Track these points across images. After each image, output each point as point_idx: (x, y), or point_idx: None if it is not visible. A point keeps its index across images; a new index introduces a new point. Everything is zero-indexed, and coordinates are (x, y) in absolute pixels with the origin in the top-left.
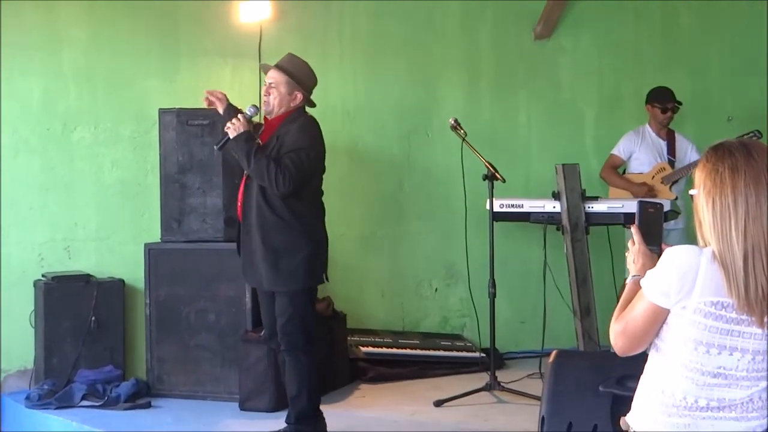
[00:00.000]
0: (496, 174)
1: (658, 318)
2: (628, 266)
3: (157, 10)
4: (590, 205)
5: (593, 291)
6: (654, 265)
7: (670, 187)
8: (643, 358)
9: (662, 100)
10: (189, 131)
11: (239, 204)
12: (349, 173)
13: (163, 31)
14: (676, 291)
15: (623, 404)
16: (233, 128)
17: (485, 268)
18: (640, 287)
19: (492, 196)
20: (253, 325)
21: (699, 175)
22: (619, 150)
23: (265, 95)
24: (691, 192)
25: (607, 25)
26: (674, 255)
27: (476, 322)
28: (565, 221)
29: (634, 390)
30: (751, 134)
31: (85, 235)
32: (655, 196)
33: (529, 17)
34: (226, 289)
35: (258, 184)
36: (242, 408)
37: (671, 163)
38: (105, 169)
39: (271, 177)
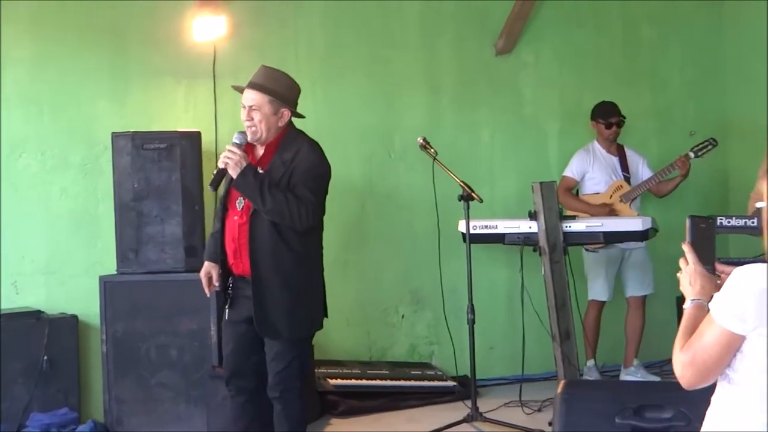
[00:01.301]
0: (473, 194)
1: (732, 346)
2: (682, 289)
3: (105, 28)
4: (568, 225)
5: (571, 314)
6: (714, 286)
7: (630, 205)
8: (662, 387)
9: (606, 115)
10: (145, 156)
11: (231, 252)
12: None
13: (112, 50)
14: (754, 315)
15: None
16: (233, 162)
17: (454, 294)
18: (705, 312)
19: (468, 217)
20: (219, 361)
21: (765, 186)
22: (572, 171)
23: (247, 120)
24: (758, 204)
25: (567, 39)
26: (747, 275)
27: (446, 349)
28: (542, 242)
29: (653, 421)
30: (706, 143)
31: (33, 269)
32: (616, 215)
33: (489, 32)
34: (189, 322)
35: (269, 221)
36: None
37: (627, 179)
38: (53, 198)
39: (293, 212)
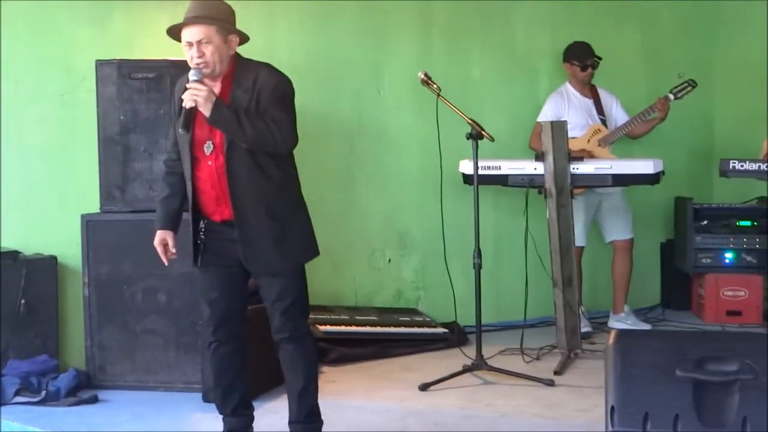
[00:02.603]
0: (483, 132)
1: None
2: None
3: None
4: (575, 167)
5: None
6: None
7: (608, 149)
8: (723, 337)
9: (580, 56)
10: (132, 86)
11: (211, 201)
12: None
13: None
14: None
15: (707, 391)
16: (202, 98)
17: (440, 236)
18: None
19: (476, 157)
20: None
21: None
22: (546, 116)
23: (198, 57)
24: None
25: None
26: None
27: (432, 294)
28: (549, 184)
29: (717, 374)
30: (686, 84)
31: (6, 206)
32: (582, 159)
33: None
34: (179, 264)
35: (245, 152)
36: (206, 400)
37: (603, 122)
38: (28, 130)
39: (275, 136)
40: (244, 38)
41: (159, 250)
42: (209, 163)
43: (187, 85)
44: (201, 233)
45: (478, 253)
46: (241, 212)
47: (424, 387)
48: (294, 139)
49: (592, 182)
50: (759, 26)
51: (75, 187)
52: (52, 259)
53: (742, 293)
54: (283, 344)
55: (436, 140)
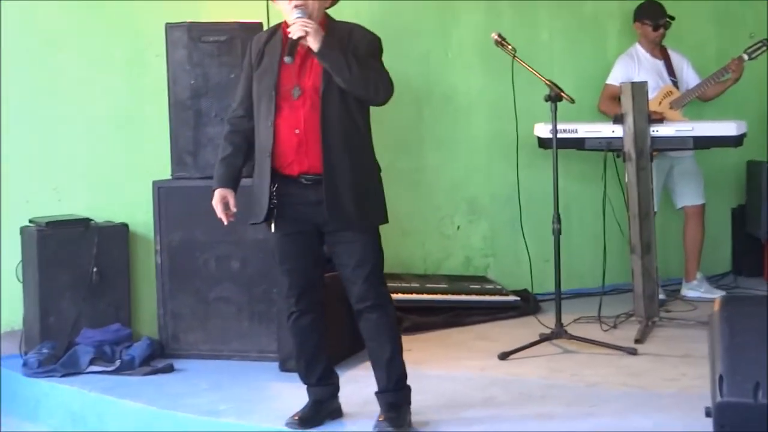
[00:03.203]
0: (562, 93)
1: None
2: None
3: None
4: (655, 129)
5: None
6: None
7: (680, 112)
8: None
9: (653, 16)
10: (203, 50)
11: (290, 149)
12: None
13: None
14: None
15: None
16: (312, 28)
17: (510, 202)
18: None
19: (555, 120)
20: None
21: None
22: (616, 78)
23: (299, 2)
24: None
25: None
26: None
27: (502, 261)
28: (629, 147)
29: None
30: (760, 44)
31: (75, 174)
32: (662, 121)
33: None
34: (254, 231)
35: (339, 98)
36: (283, 369)
37: (675, 84)
38: (95, 98)
39: (377, 81)
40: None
41: (218, 209)
42: (296, 108)
43: (295, 19)
44: (273, 198)
45: (558, 219)
46: (330, 160)
47: (503, 356)
48: (392, 91)
49: (672, 145)
50: None
51: (144, 154)
52: (124, 227)
53: None
54: (366, 313)
55: (505, 104)
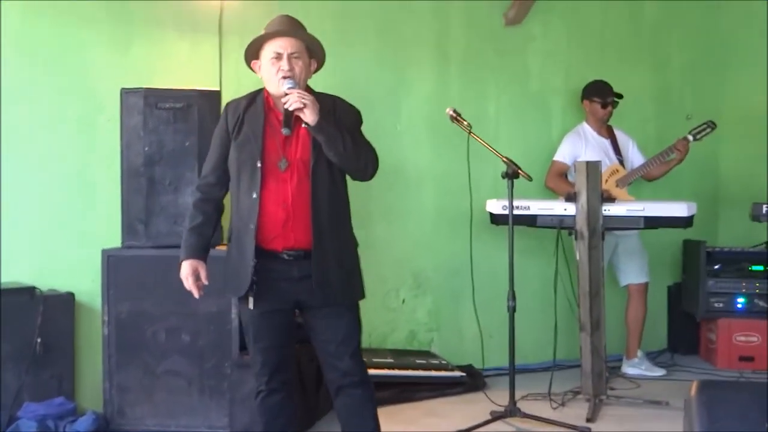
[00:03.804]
0: (520, 171)
1: None
2: None
3: None
4: (607, 208)
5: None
6: None
7: (626, 190)
8: None
9: (602, 94)
10: (158, 116)
11: (277, 223)
12: None
13: None
14: None
15: None
16: (310, 100)
17: (457, 276)
18: None
19: (512, 197)
20: (240, 348)
21: None
22: (563, 155)
23: (288, 68)
24: None
25: (575, 12)
26: None
27: (445, 336)
28: (581, 225)
29: None
30: (705, 126)
31: (20, 237)
32: (613, 200)
33: (499, 1)
34: (206, 304)
35: (326, 172)
36: None
37: (621, 162)
38: (45, 158)
39: (368, 156)
40: (319, 67)
41: (189, 281)
42: (283, 181)
43: (288, 90)
44: (253, 273)
45: (512, 296)
46: (320, 236)
47: None
48: (377, 165)
49: (623, 224)
50: (763, 70)
51: (93, 220)
52: (70, 296)
53: (755, 339)
54: (350, 388)
55: (453, 177)
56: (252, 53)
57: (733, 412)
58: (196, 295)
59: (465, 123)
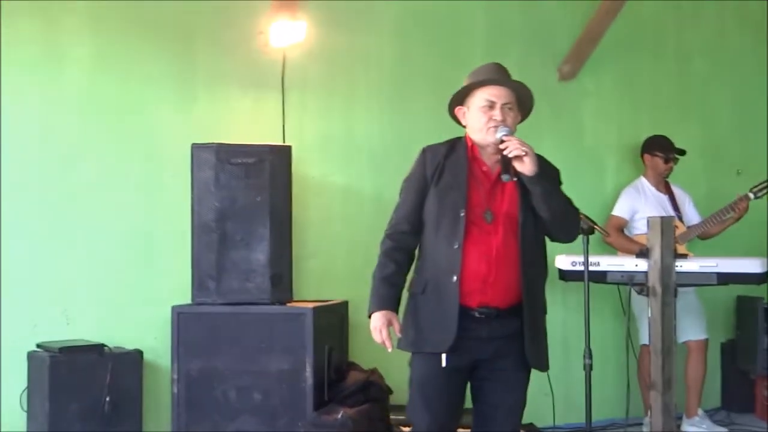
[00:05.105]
0: (596, 226)
1: None
2: None
3: (171, 30)
4: (680, 264)
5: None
6: None
7: (685, 247)
8: None
9: (664, 149)
10: (230, 171)
11: (478, 278)
12: (375, 223)
13: (178, 54)
14: None
15: None
16: (532, 153)
17: None
18: None
19: (587, 253)
20: (315, 407)
21: None
22: (622, 210)
23: (501, 118)
24: None
25: (626, 67)
26: None
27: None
28: (653, 282)
29: None
30: (765, 183)
31: (86, 295)
32: (686, 257)
33: (553, 55)
34: (278, 361)
35: (533, 229)
36: None
37: (680, 218)
38: (110, 214)
39: (576, 216)
40: (523, 119)
41: (382, 333)
42: (488, 234)
43: (505, 137)
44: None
45: (589, 354)
46: (529, 297)
47: None
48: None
49: (696, 280)
50: None
51: (160, 277)
52: (138, 353)
53: None
54: None
55: None
56: (459, 99)
57: None
58: (388, 348)
59: None
